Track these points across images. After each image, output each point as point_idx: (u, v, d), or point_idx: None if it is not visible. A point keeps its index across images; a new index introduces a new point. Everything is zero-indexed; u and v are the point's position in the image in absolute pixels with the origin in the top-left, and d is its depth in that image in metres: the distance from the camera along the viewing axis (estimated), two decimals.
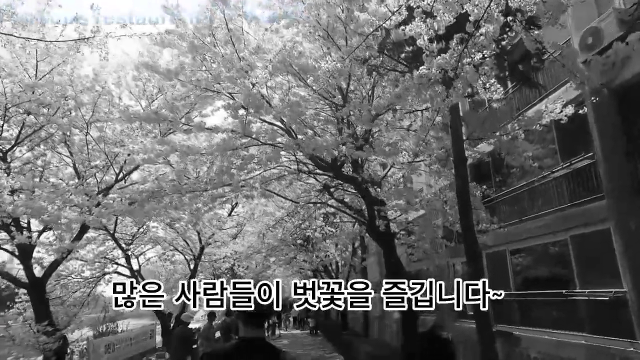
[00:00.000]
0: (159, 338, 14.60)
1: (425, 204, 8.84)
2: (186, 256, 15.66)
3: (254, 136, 5.91)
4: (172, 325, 13.98)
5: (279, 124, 6.40)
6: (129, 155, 7.09)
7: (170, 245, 15.33)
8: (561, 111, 6.30)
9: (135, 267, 15.06)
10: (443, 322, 4.41)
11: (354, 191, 9.19)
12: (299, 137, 5.60)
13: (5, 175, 6.90)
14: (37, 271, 8.89)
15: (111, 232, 13.40)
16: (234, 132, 5.72)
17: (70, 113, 8.52)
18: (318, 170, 7.60)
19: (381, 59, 6.58)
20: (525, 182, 9.34)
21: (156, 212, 7.16)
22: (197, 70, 5.66)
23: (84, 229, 9.25)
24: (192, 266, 15.66)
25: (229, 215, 16.23)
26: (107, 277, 14.49)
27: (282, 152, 7.60)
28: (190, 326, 9.56)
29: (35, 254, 9.65)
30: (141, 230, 14.87)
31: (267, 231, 10.47)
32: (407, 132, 7.76)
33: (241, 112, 5.44)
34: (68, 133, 8.77)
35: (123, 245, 14.00)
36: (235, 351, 1.95)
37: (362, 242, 15.38)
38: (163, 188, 6.12)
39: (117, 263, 14.95)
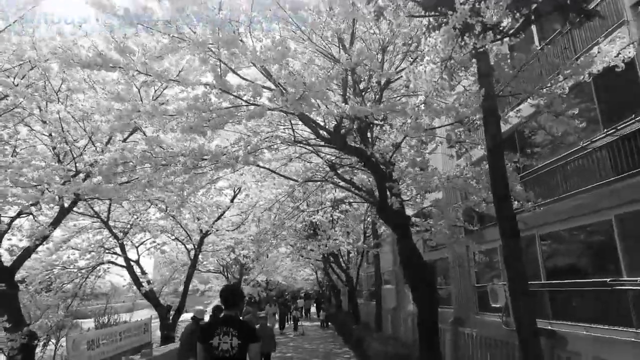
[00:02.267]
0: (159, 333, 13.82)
1: (445, 182, 7.62)
2: (187, 245, 14.76)
3: (234, 93, 4.79)
4: (170, 318, 13.19)
5: (264, 79, 5.26)
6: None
7: (168, 233, 14.43)
8: (618, 54, 4.98)
9: (134, 257, 14.30)
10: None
11: (363, 168, 8.03)
12: (289, 89, 4.44)
13: None
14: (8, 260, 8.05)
15: (104, 219, 12.64)
16: (208, 86, 4.61)
17: (45, 85, 7.58)
18: (319, 141, 6.45)
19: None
20: (558, 155, 8.08)
21: (128, 191, 6.14)
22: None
23: (62, 212, 8.36)
24: (192, 256, 14.77)
25: (232, 201, 15.22)
26: (102, 267, 13.75)
27: (276, 120, 6.50)
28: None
29: (14, 241, 8.87)
30: (136, 218, 14.05)
31: (262, 214, 9.40)
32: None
33: (213, 60, 4.31)
34: (41, 106, 7.85)
35: (118, 234, 13.18)
36: (215, 323, 3.68)
37: (373, 229, 14.23)
38: (128, 158, 5.07)
39: (115, 253, 14.20)
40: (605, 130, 6.78)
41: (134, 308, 24.18)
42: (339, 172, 8.35)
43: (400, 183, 7.48)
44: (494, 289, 11.92)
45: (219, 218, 14.32)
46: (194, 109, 4.73)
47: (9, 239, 8.27)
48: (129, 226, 13.83)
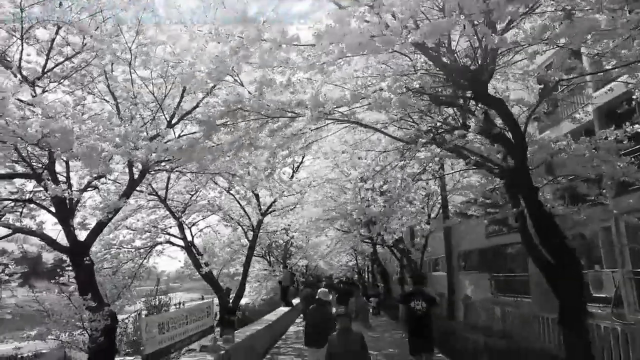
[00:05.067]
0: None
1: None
2: (243, 227, 13.98)
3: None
4: (230, 301, 12.52)
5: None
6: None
7: (225, 214, 13.68)
8: None
9: (188, 238, 13.67)
10: None
11: (466, 130, 6.78)
12: None
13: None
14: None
15: (162, 197, 12.03)
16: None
17: (115, 37, 6.70)
18: (446, 91, 5.28)
19: None
20: None
21: (228, 151, 5.22)
22: None
23: (132, 184, 7.60)
24: (249, 237, 14.00)
25: (291, 178, 14.29)
26: (159, 247, 13.22)
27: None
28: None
29: (79, 219, 8.29)
30: (193, 197, 13.40)
31: (356, 184, 8.31)
32: None
33: None
34: (107, 70, 7.04)
35: (176, 213, 12.55)
36: (412, 293, 6.30)
37: (444, 209, 12.99)
38: (243, 104, 4.12)
39: (168, 233, 13.65)
40: None
41: (168, 291, 23.96)
42: (437, 139, 7.16)
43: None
44: (597, 276, 10.50)
45: (277, 197, 13.45)
46: (330, 34, 3.65)
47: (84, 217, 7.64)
48: (184, 206, 13.20)
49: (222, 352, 6.29)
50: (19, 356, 22.16)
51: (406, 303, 6.12)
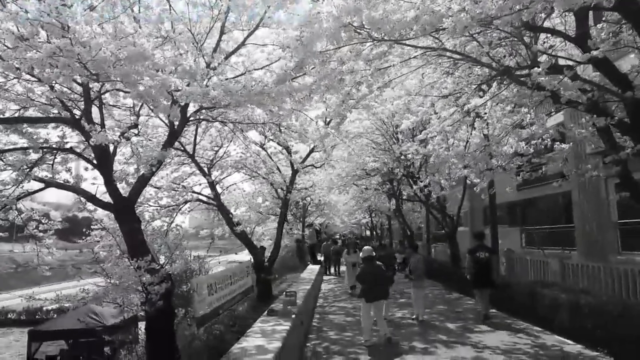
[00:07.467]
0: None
1: None
2: (273, 184, 13.26)
3: None
4: (265, 260, 12.08)
5: None
6: None
7: (252, 171, 12.91)
8: None
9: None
10: None
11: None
12: None
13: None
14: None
15: (190, 153, 11.23)
16: None
17: None
18: None
19: None
20: None
21: (300, 98, 4.35)
22: None
23: (173, 134, 6.75)
24: (280, 195, 13.36)
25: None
26: (188, 205, 12.58)
27: None
28: None
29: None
30: (218, 153, 12.58)
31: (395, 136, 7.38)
32: None
33: None
34: None
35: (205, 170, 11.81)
36: (477, 246, 8.53)
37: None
38: (360, 14, 3.19)
39: (193, 192, 12.97)
40: None
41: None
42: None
43: None
44: None
45: (311, 151, 12.64)
46: None
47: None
48: (210, 162, 12.42)
49: (294, 316, 5.77)
50: (44, 309, 22.15)
51: (473, 254, 8.29)
